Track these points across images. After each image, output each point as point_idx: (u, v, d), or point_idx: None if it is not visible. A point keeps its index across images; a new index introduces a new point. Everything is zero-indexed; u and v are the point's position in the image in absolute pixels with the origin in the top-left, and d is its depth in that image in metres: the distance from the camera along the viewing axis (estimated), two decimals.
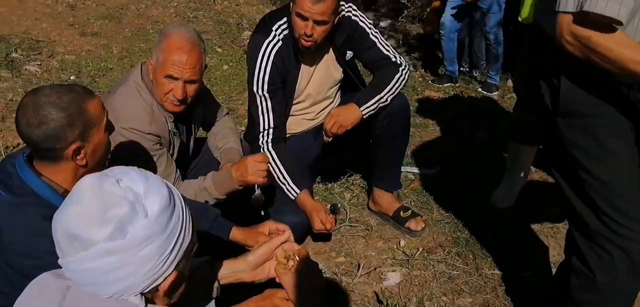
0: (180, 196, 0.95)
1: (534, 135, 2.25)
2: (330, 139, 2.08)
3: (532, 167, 2.48)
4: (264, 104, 2.00)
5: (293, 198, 2.03)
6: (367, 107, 2.02)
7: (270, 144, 2.03)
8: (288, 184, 2.03)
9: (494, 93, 3.98)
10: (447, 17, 4.00)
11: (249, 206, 1.88)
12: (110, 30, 4.59)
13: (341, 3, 1.95)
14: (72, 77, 3.76)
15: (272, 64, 1.96)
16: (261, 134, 2.02)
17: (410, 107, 2.40)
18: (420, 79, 4.24)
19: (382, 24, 6.09)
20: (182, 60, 1.66)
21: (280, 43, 1.97)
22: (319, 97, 2.17)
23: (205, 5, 5.47)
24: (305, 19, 1.86)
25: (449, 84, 4.13)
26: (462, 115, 3.51)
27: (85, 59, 4.05)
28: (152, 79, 1.74)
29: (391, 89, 2.05)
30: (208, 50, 4.41)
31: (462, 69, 4.51)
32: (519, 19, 2.18)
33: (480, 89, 4.06)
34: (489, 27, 3.92)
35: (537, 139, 2.28)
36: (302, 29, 1.88)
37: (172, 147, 1.86)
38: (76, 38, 4.40)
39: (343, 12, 2.00)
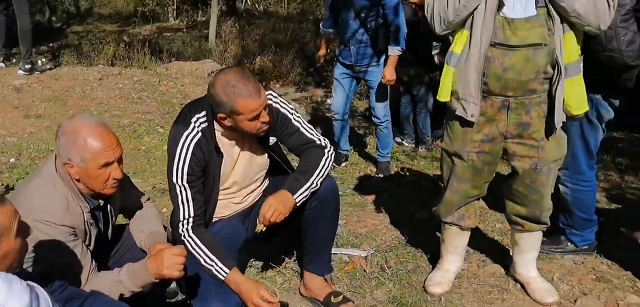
0: (50, 302, 0.91)
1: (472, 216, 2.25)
2: (264, 228, 2.04)
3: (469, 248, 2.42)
4: (183, 194, 2.00)
5: (222, 278, 1.96)
6: (299, 194, 2.03)
7: (190, 231, 2.00)
8: (216, 265, 1.97)
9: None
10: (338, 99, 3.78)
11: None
12: (55, 112, 4.55)
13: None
14: (11, 160, 3.69)
15: (191, 155, 1.97)
16: (181, 222, 2.01)
17: (341, 189, 2.42)
18: (360, 157, 4.28)
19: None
20: (111, 143, 1.71)
21: (199, 135, 1.99)
22: (245, 183, 2.18)
23: (149, 86, 5.51)
24: (258, 116, 1.91)
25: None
26: (404, 193, 3.50)
27: (26, 141, 3.99)
28: (78, 179, 1.72)
29: (320, 173, 2.08)
30: (150, 130, 4.43)
31: (405, 144, 4.63)
32: (438, 98, 2.16)
33: (375, 173, 3.92)
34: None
35: (473, 221, 2.26)
36: (261, 121, 1.92)
37: (88, 237, 1.82)
38: (20, 120, 4.34)
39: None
